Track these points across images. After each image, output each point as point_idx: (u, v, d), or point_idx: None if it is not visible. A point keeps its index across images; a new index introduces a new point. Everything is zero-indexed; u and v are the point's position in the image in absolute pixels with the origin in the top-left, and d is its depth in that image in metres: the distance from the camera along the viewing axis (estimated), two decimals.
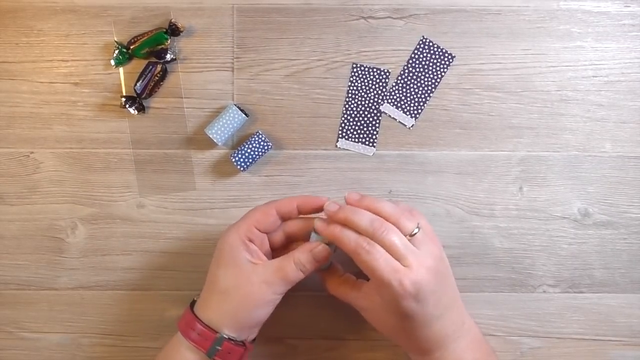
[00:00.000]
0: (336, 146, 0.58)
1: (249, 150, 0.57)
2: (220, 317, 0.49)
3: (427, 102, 0.58)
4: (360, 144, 0.58)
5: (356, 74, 0.58)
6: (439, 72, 0.58)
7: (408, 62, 0.58)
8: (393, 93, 0.58)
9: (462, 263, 0.58)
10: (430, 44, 0.58)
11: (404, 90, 0.58)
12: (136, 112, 0.57)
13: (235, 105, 0.57)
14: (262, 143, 0.57)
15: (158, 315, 0.58)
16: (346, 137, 0.58)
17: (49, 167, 0.58)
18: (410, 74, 0.58)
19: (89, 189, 0.58)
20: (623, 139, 0.59)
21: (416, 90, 0.58)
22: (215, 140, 0.56)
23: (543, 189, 0.59)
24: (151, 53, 0.57)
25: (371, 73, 0.58)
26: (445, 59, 0.58)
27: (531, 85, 0.58)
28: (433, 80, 0.58)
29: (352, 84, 0.58)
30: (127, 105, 0.57)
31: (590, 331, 0.59)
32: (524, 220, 0.59)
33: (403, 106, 0.58)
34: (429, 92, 0.58)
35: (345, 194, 0.49)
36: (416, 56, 0.58)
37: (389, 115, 0.58)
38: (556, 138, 0.59)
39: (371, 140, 0.58)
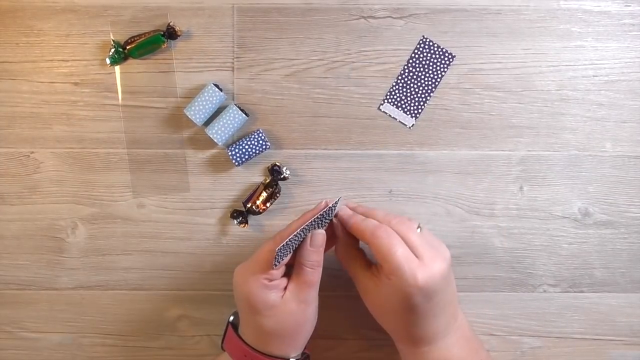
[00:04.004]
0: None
1: (246, 147, 0.56)
2: (282, 349, 0.49)
3: (427, 101, 0.58)
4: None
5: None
6: (439, 72, 0.58)
7: (408, 61, 0.58)
8: (393, 93, 0.58)
9: (462, 263, 0.58)
10: (431, 43, 0.58)
11: (404, 90, 0.58)
12: (241, 225, 0.58)
13: (236, 105, 0.57)
14: (260, 142, 0.57)
15: (158, 315, 0.58)
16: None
17: (49, 167, 0.58)
18: (411, 74, 0.58)
19: (89, 189, 0.58)
20: (623, 139, 0.59)
21: (416, 90, 0.58)
22: (215, 140, 0.56)
23: (543, 188, 0.59)
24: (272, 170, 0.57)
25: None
26: (446, 58, 0.58)
27: (531, 85, 0.58)
28: (433, 80, 0.58)
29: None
30: (235, 218, 0.57)
31: (590, 331, 0.59)
32: (524, 219, 0.59)
33: (403, 106, 0.58)
34: (429, 91, 0.58)
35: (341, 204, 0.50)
36: (416, 56, 0.58)
37: (389, 115, 0.58)
38: (556, 137, 0.59)
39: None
